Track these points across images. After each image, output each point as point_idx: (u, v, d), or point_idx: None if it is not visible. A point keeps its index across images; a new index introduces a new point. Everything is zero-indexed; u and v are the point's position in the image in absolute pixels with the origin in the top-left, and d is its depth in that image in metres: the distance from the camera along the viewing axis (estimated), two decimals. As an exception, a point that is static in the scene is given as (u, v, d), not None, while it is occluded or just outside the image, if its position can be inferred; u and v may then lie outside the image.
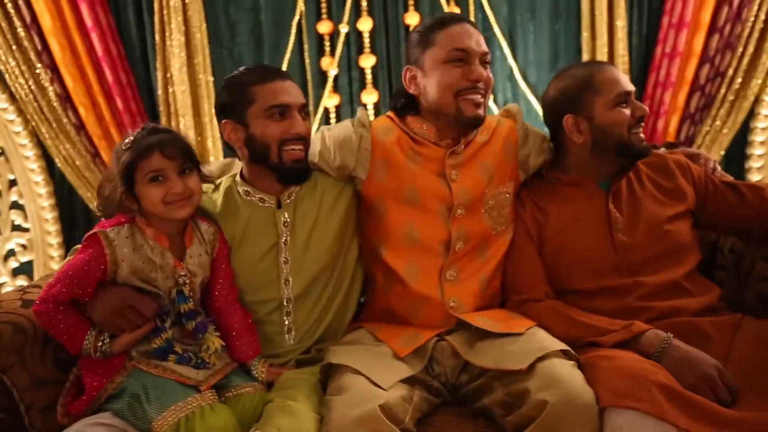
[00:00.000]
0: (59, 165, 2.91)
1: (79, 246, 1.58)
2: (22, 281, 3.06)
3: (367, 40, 2.89)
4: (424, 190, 1.59)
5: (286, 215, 1.59)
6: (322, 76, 2.93)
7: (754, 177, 2.88)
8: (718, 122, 2.82)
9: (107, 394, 1.33)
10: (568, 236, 1.63)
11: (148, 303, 1.37)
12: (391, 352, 1.47)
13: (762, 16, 2.73)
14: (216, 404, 1.33)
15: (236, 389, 1.42)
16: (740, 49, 2.75)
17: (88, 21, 2.79)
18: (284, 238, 1.58)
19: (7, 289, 3.00)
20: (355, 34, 2.89)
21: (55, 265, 3.02)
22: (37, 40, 2.81)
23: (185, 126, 2.83)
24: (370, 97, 2.91)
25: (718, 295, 1.60)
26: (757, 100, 2.83)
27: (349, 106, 2.93)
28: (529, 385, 1.28)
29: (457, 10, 2.84)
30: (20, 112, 2.87)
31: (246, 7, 2.89)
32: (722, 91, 2.79)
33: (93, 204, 2.91)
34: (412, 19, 2.86)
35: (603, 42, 2.77)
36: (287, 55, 2.88)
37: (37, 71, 2.79)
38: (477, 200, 1.60)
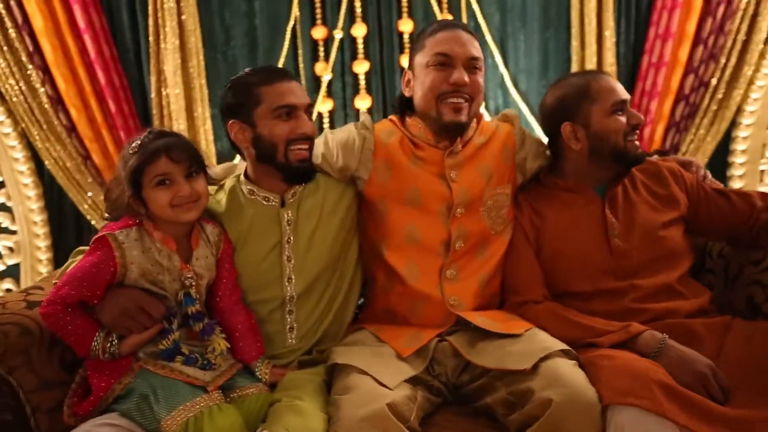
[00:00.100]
0: (49, 167, 2.88)
1: (82, 248, 1.59)
2: (9, 285, 3.03)
3: (360, 46, 2.92)
4: (425, 191, 1.63)
5: (290, 214, 1.61)
6: (316, 81, 2.95)
7: (736, 184, 2.96)
8: (701, 131, 2.90)
9: (114, 395, 1.34)
10: (566, 241, 1.68)
11: (157, 305, 1.38)
12: (394, 353, 1.50)
13: (744, 29, 2.82)
14: (223, 404, 1.34)
15: (241, 390, 1.43)
16: (723, 60, 2.85)
17: (81, 22, 2.78)
18: (287, 236, 1.60)
19: (-6, 292, 2.97)
20: (349, 40, 2.93)
21: (43, 269, 2.99)
22: (28, 40, 2.79)
23: (179, 129, 2.82)
24: (363, 102, 2.94)
25: (710, 297, 1.65)
26: (739, 110, 2.92)
27: (343, 111, 2.96)
28: (533, 384, 1.31)
29: (450, 18, 2.88)
30: (10, 113, 2.85)
31: (241, 11, 2.91)
32: (706, 100, 2.88)
33: (83, 206, 2.90)
34: (406, 25, 2.91)
35: (592, 51, 2.84)
36: (281, 60, 2.90)
37: (29, 72, 2.77)
38: (476, 200, 1.63)
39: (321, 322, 1.64)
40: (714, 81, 2.86)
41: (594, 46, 2.84)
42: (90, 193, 2.88)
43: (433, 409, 1.49)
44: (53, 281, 1.53)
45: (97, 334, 1.34)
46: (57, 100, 2.84)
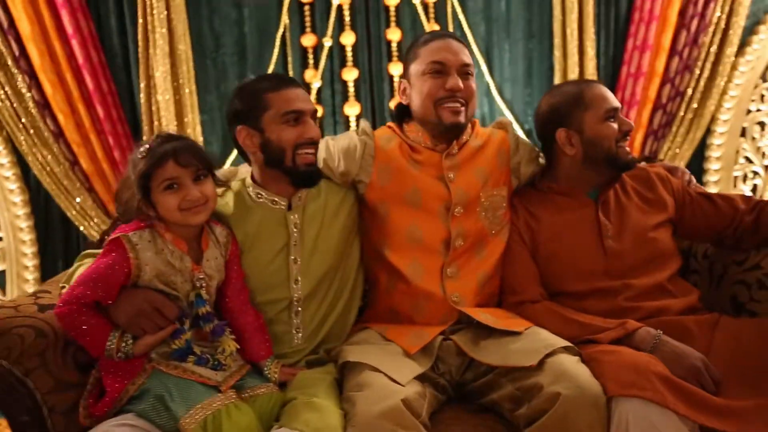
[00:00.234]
0: (36, 173, 2.85)
1: (89, 251, 1.60)
2: (-7, 292, 2.98)
3: (349, 54, 2.96)
4: (425, 192, 1.69)
5: (296, 217, 1.66)
6: (305, 88, 2.96)
7: (711, 189, 3.08)
8: (678, 138, 3.02)
9: (128, 396, 1.35)
10: (561, 242, 1.75)
11: (171, 306, 1.40)
12: (401, 351, 1.55)
13: (716, 42, 2.95)
14: (239, 403, 1.37)
15: (252, 390, 1.46)
16: (697, 71, 2.96)
17: (69, 27, 2.76)
18: (294, 239, 1.65)
19: (-22, 299, 2.92)
20: (338, 48, 2.96)
21: (30, 275, 2.96)
22: (14, 45, 2.76)
23: (168, 135, 2.82)
24: (352, 109, 2.98)
25: (698, 296, 1.74)
26: (713, 119, 3.05)
27: (332, 117, 2.99)
28: (540, 379, 1.37)
29: (437, 28, 2.95)
30: (-6, 118, 2.81)
31: (230, 18, 2.92)
32: (682, 109, 2.99)
33: (71, 212, 2.88)
34: (394, 34, 2.96)
35: (574, 61, 2.93)
36: (271, 67, 2.92)
37: (15, 77, 2.74)
38: (473, 200, 1.71)
39: (325, 322, 1.68)
40: (689, 91, 2.97)
41: (576, 56, 2.93)
42: (78, 199, 2.86)
43: (438, 406, 1.54)
44: (60, 284, 1.54)
45: (111, 334, 1.36)
46: (44, 105, 2.81)
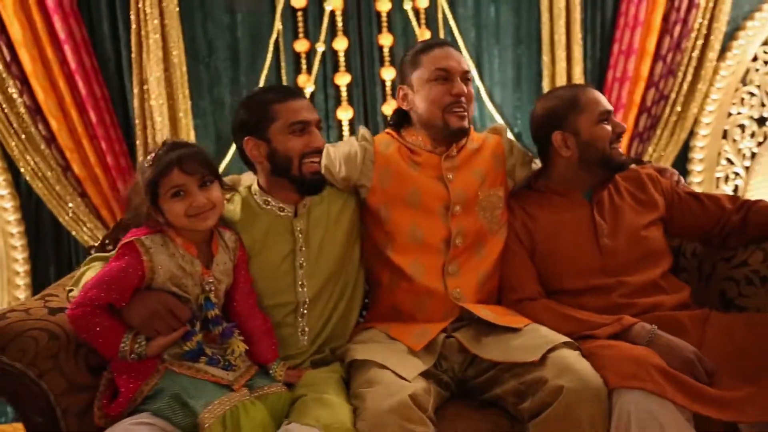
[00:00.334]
0: (27, 178, 2.84)
1: (97, 254, 1.62)
2: (-17, 299, 2.95)
3: (342, 59, 3.00)
4: (425, 192, 1.75)
5: (302, 223, 1.69)
6: (298, 93, 3.00)
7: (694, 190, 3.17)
8: (663, 141, 3.10)
9: (143, 396, 1.37)
10: (558, 242, 1.80)
11: (183, 308, 1.43)
12: (406, 348, 1.58)
13: (698, 47, 3.04)
14: (254, 400, 1.39)
15: (261, 389, 1.48)
16: (681, 75, 3.05)
17: (61, 33, 2.75)
18: (300, 244, 1.68)
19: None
20: (330, 53, 3.00)
21: (21, 281, 2.94)
22: (5, 50, 2.75)
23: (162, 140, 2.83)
24: (345, 113, 3.01)
25: (689, 292, 1.80)
26: (696, 122, 3.13)
27: (325, 122, 3.01)
28: (544, 373, 1.42)
29: (428, 33, 3.00)
30: (-15, 123, 2.80)
31: (223, 24, 2.94)
32: (666, 112, 3.07)
33: (64, 218, 2.87)
34: (386, 40, 3.00)
35: (562, 66, 3.00)
36: (264, 72, 2.94)
37: (5, 82, 2.73)
38: (471, 199, 1.76)
39: (328, 323, 1.72)
40: (673, 95, 3.05)
41: (563, 61, 2.99)
42: (71, 204, 2.85)
43: (442, 402, 1.58)
44: (67, 288, 1.55)
45: (125, 335, 1.37)
46: (36, 111, 2.81)
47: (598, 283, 1.75)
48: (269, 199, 1.69)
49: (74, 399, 1.36)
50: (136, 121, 2.85)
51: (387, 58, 3.01)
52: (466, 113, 1.75)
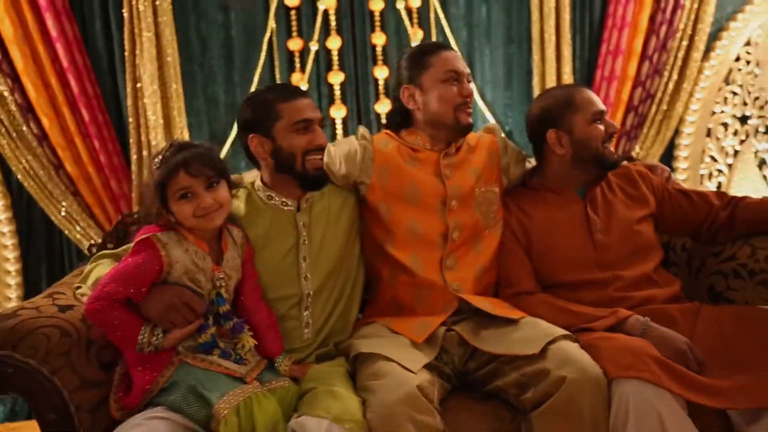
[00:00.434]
0: (19, 177, 2.82)
1: (105, 251, 1.64)
2: (-27, 298, 2.93)
3: (335, 58, 3.02)
4: (423, 188, 1.80)
5: (304, 217, 1.73)
6: (292, 91, 3.02)
7: (680, 187, 3.25)
8: (649, 139, 3.17)
9: (158, 388, 1.40)
10: (554, 237, 1.85)
11: (199, 301, 1.46)
12: (408, 342, 1.62)
13: (683, 47, 3.12)
14: (266, 392, 1.43)
15: (270, 384, 1.51)
16: (666, 75, 3.13)
17: (53, 31, 2.74)
18: (303, 238, 1.72)
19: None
20: (324, 52, 3.02)
21: (12, 280, 2.92)
22: (-4, 48, 2.74)
23: (156, 139, 2.83)
24: (338, 112, 3.04)
25: (680, 286, 1.86)
26: (681, 120, 3.21)
27: (318, 120, 3.04)
28: (546, 365, 1.46)
29: (420, 33, 3.04)
30: (-26, 121, 2.77)
31: (217, 22, 2.95)
32: (652, 111, 3.15)
33: (56, 217, 2.85)
34: (379, 39, 3.03)
35: (551, 65, 3.05)
36: (258, 70, 2.96)
37: (-5, 79, 2.72)
38: (467, 195, 1.82)
39: (331, 316, 1.76)
40: (659, 94, 3.13)
41: (553, 60, 3.05)
42: (64, 203, 2.84)
43: (445, 394, 1.61)
44: (75, 285, 1.56)
45: (143, 328, 1.40)
46: (27, 109, 2.79)
47: (593, 277, 1.80)
48: (273, 195, 1.73)
49: (86, 395, 1.37)
50: (130, 120, 2.84)
51: (380, 57, 3.04)
52: (470, 111, 1.85)
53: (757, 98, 3.31)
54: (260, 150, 1.68)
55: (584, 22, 3.12)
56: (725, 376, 1.51)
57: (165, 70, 2.85)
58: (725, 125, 3.31)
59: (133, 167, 2.84)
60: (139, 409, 1.37)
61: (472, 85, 1.91)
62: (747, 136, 3.33)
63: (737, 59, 3.27)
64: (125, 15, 2.78)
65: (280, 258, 1.69)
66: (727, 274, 1.86)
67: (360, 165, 1.81)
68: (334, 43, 3.01)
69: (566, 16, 3.03)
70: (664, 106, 3.15)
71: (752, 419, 1.47)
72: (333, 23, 2.99)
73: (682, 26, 3.10)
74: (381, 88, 3.05)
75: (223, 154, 2.91)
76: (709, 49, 3.20)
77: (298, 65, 3.01)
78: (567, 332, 1.58)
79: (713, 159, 3.32)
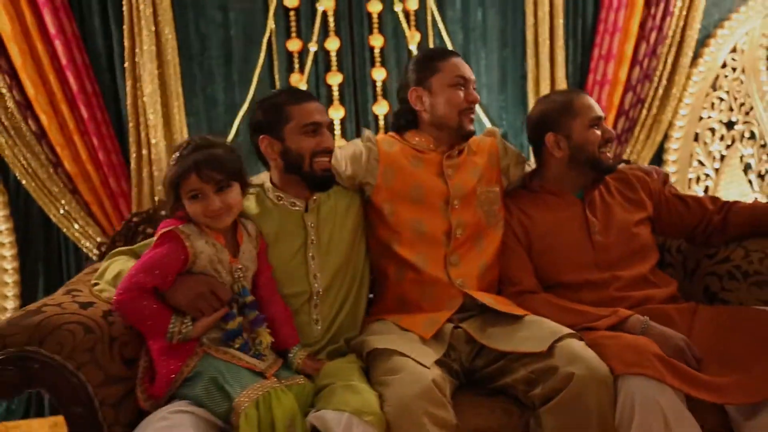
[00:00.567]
0: (17, 174, 2.81)
1: (121, 248, 1.67)
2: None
3: (334, 59, 3.05)
4: (427, 188, 1.87)
5: (312, 218, 1.78)
6: (291, 91, 3.04)
7: (668, 190, 3.33)
8: (639, 143, 3.26)
9: (183, 377, 1.43)
10: (554, 238, 1.91)
11: (225, 289, 1.52)
12: (418, 338, 1.68)
13: (673, 52, 3.20)
14: (284, 388, 1.46)
15: (286, 381, 1.54)
16: (656, 80, 3.21)
17: (52, 27, 2.73)
18: (311, 237, 1.77)
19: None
20: (323, 53, 3.05)
21: (9, 279, 2.90)
22: (-6, 44, 2.72)
23: (156, 138, 2.84)
24: (336, 113, 3.07)
25: (677, 286, 1.93)
26: (670, 125, 3.30)
27: (317, 121, 3.06)
28: (554, 362, 1.52)
29: (417, 36, 3.08)
30: (-28, 119, 2.75)
31: (216, 22, 2.96)
32: (643, 115, 3.23)
33: (54, 215, 2.84)
34: (377, 41, 3.07)
35: (545, 69, 3.12)
36: (257, 71, 2.97)
37: (-7, 76, 2.71)
38: (469, 194, 1.89)
39: (340, 313, 1.81)
40: (649, 98, 3.21)
41: (547, 64, 3.12)
42: (63, 201, 2.83)
43: (454, 390, 1.67)
44: (92, 282, 1.58)
45: (173, 317, 1.44)
46: (26, 106, 2.77)
47: (593, 277, 1.87)
48: (282, 195, 1.78)
49: (110, 390, 1.40)
50: (129, 117, 2.84)
51: (378, 59, 3.08)
52: (473, 118, 1.91)
53: (742, 104, 3.41)
54: (270, 151, 1.73)
55: (577, 27, 3.19)
56: (722, 373, 1.58)
57: (164, 68, 2.86)
58: (712, 130, 3.41)
59: (132, 165, 2.84)
60: (165, 400, 1.40)
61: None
62: (733, 141, 3.43)
63: (724, 65, 3.36)
64: (124, 12, 2.78)
65: (289, 257, 1.74)
66: (722, 276, 1.93)
67: (365, 166, 1.87)
68: (332, 44, 3.04)
69: (560, 22, 3.09)
70: (654, 111, 3.23)
71: (749, 414, 1.54)
72: (332, 25, 3.02)
73: (671, 33, 3.18)
74: (379, 89, 3.09)
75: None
76: (697, 55, 3.28)
77: (297, 66, 3.03)
78: (572, 331, 1.64)
79: (701, 163, 3.41)
